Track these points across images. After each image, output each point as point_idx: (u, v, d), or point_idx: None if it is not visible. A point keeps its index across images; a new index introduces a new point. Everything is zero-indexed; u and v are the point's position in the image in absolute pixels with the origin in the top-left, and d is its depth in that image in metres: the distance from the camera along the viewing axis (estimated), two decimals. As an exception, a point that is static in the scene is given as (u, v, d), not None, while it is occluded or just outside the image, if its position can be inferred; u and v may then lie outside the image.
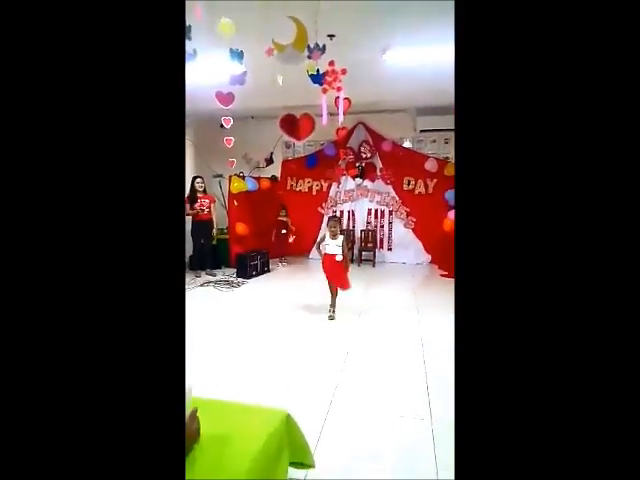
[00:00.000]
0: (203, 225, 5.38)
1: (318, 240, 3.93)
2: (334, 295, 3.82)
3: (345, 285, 3.76)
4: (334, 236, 3.69)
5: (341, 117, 3.54)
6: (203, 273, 5.47)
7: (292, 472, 1.47)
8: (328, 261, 3.72)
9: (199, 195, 5.33)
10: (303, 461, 1.44)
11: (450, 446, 1.76)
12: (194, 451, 1.11)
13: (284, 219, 6.29)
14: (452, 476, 1.53)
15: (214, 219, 5.53)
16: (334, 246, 3.68)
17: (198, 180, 5.37)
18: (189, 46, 2.50)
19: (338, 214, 6.67)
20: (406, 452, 1.78)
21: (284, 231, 6.22)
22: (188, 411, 1.14)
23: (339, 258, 3.66)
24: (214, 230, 5.58)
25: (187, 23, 2.35)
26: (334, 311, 3.77)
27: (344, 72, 3.19)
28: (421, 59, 3.75)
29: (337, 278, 3.76)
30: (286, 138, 6.36)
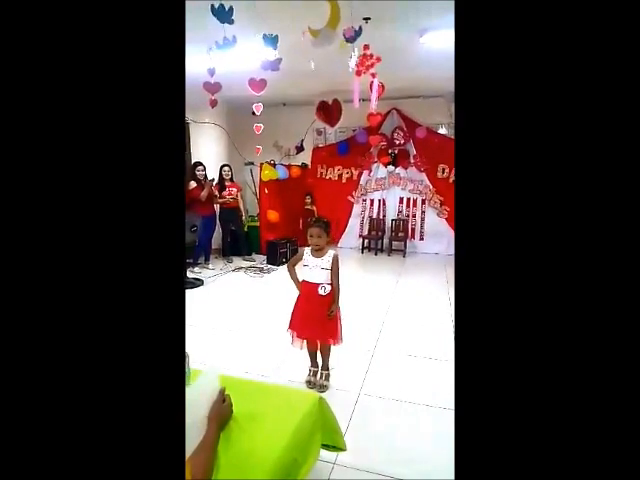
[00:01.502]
0: (231, 213, 5.48)
1: (293, 259, 2.31)
2: (325, 355, 2.25)
3: (334, 337, 2.16)
4: (319, 252, 2.13)
5: (374, 103, 3.47)
6: (234, 259, 5.59)
7: (323, 454, 1.49)
8: (305, 295, 2.16)
9: (227, 184, 5.43)
10: (335, 444, 1.46)
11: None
12: (229, 427, 1.15)
13: (310, 207, 6.29)
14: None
15: (241, 207, 5.63)
16: (318, 270, 2.11)
17: (225, 168, 5.48)
18: (230, 31, 2.51)
19: (368, 203, 6.60)
20: (435, 442, 1.77)
21: (310, 220, 6.24)
22: (216, 391, 1.16)
23: (324, 291, 2.10)
24: (243, 217, 5.68)
25: (229, 5, 2.35)
26: (325, 377, 2.24)
27: (379, 60, 3.11)
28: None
29: (317, 328, 2.15)
30: (317, 125, 6.33)
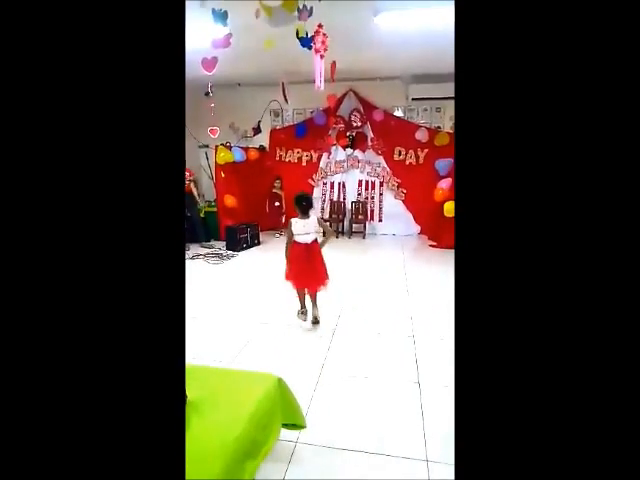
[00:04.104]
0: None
1: (287, 241, 2.83)
2: (315, 297, 2.89)
3: (324, 283, 2.82)
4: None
5: (318, 81, 3.35)
6: (192, 246, 5.44)
7: (285, 434, 1.53)
8: (299, 252, 2.73)
9: None
10: (295, 422, 1.50)
11: (438, 410, 1.86)
12: (185, 414, 1.14)
13: (278, 191, 6.22)
14: (439, 442, 1.62)
15: (195, 192, 5.49)
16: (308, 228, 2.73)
17: None
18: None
19: (329, 185, 6.63)
20: (395, 412, 1.86)
21: (277, 203, 6.18)
22: None
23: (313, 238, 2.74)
24: (199, 203, 5.56)
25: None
26: (317, 311, 2.91)
27: (325, 36, 3.04)
28: (415, 23, 3.61)
29: (314, 275, 2.78)
30: (274, 106, 6.20)
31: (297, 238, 2.73)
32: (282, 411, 1.41)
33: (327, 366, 2.30)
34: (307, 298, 2.91)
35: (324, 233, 3.01)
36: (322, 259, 2.81)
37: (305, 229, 2.71)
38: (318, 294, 2.90)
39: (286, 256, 2.81)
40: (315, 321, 2.89)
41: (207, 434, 1.10)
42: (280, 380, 1.43)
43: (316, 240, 2.77)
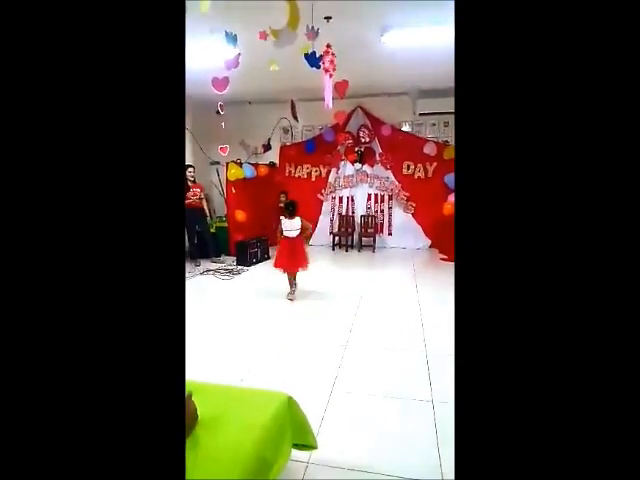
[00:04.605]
0: (195, 214, 5.37)
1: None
2: (295, 277, 3.86)
3: (305, 265, 3.78)
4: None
5: (328, 101, 3.41)
6: (202, 261, 5.48)
7: (296, 454, 1.50)
8: (286, 243, 3.73)
9: (190, 184, 5.34)
10: (306, 443, 1.47)
11: (451, 428, 1.80)
12: (195, 433, 1.14)
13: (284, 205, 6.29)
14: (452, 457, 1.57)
15: (206, 207, 5.57)
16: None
17: (189, 169, 5.37)
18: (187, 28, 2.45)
19: (337, 200, 6.66)
20: (408, 432, 1.82)
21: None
22: None
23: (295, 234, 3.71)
24: (208, 218, 5.64)
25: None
26: (295, 287, 3.89)
27: (333, 55, 3.10)
28: (420, 40, 3.67)
29: (296, 260, 3.75)
30: (283, 123, 6.30)
31: (285, 233, 3.72)
32: (293, 430, 1.38)
33: (338, 384, 2.26)
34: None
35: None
36: (304, 249, 3.82)
37: (291, 227, 3.70)
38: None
39: (277, 240, 3.87)
40: (291, 298, 3.81)
41: (217, 452, 1.08)
42: (290, 398, 1.41)
43: (299, 235, 3.76)
